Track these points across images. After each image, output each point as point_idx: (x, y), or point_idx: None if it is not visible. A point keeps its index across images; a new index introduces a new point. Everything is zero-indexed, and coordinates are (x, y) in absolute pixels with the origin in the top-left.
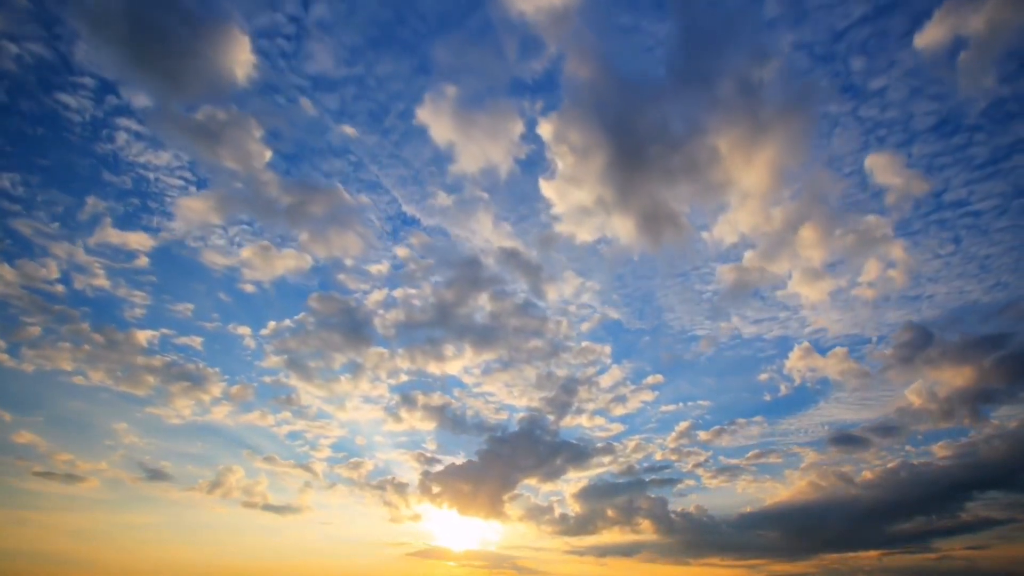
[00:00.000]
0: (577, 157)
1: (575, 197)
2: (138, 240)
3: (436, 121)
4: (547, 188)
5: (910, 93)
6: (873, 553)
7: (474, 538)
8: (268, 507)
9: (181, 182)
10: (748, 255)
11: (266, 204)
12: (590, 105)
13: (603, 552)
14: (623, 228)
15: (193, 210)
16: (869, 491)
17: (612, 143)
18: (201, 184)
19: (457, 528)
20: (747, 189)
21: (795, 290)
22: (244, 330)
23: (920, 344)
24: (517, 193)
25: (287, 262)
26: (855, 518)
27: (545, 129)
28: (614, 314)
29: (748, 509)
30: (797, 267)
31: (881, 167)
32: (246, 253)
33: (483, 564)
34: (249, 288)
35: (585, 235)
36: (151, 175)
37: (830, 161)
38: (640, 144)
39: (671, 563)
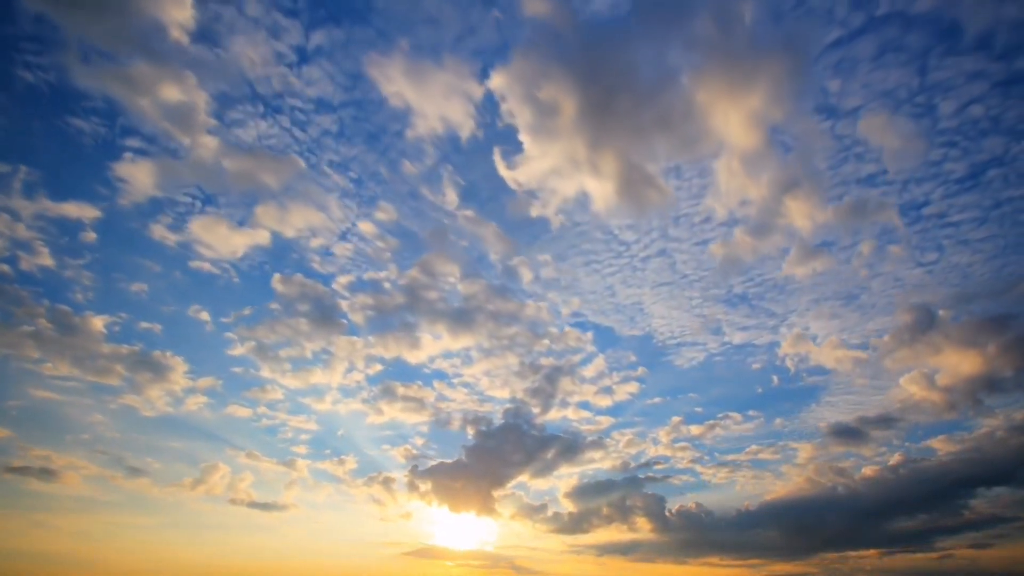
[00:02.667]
0: (541, 114)
1: (545, 164)
2: (80, 211)
3: (387, 79)
4: (514, 155)
5: (888, 117)
6: (873, 552)
7: (470, 537)
8: (254, 504)
9: (123, 146)
10: (738, 232)
11: (214, 173)
12: (551, 50)
13: (601, 551)
14: (600, 196)
15: (136, 178)
16: (869, 488)
17: (577, 93)
18: (144, 149)
19: (452, 527)
20: (732, 147)
21: (789, 272)
22: (204, 315)
23: (921, 328)
24: (480, 163)
25: (243, 239)
26: (855, 516)
27: (503, 81)
28: (597, 309)
29: (747, 506)
30: (791, 243)
31: (876, 129)
32: (196, 227)
33: (480, 564)
34: (206, 267)
35: (562, 216)
36: (89, 139)
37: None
38: (609, 95)
39: (670, 562)
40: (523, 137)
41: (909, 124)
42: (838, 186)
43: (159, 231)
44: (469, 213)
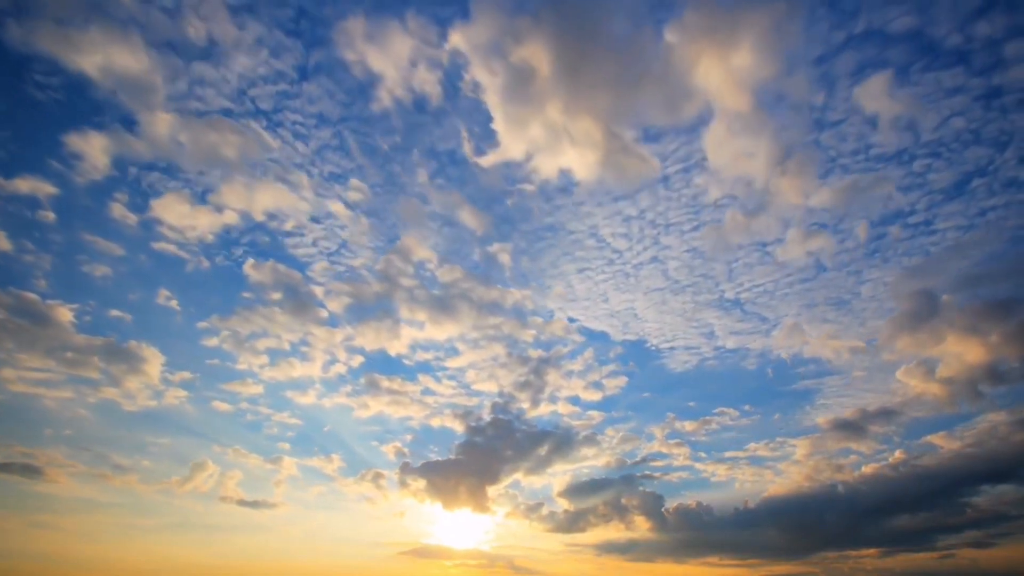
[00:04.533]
0: (511, 77)
1: (520, 134)
2: (34, 187)
3: (349, 43)
4: (485, 126)
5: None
6: (873, 551)
7: (467, 536)
8: (244, 503)
9: (74, 119)
10: (730, 214)
11: (174, 148)
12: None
13: (600, 550)
14: (582, 170)
15: (90, 153)
16: (869, 486)
17: (547, 52)
18: (97, 122)
19: (449, 526)
20: (720, 111)
21: (784, 258)
22: (174, 303)
23: (921, 316)
24: (452, 137)
25: (209, 219)
26: (855, 514)
27: (465, 40)
28: (591, 315)
29: (746, 504)
30: (787, 221)
31: (871, 96)
32: (159, 207)
33: (478, 563)
34: (171, 250)
35: (542, 198)
36: (39, 110)
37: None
38: (583, 51)
39: (669, 561)
40: (493, 105)
41: (892, 134)
42: (832, 161)
43: (119, 210)
44: (443, 195)
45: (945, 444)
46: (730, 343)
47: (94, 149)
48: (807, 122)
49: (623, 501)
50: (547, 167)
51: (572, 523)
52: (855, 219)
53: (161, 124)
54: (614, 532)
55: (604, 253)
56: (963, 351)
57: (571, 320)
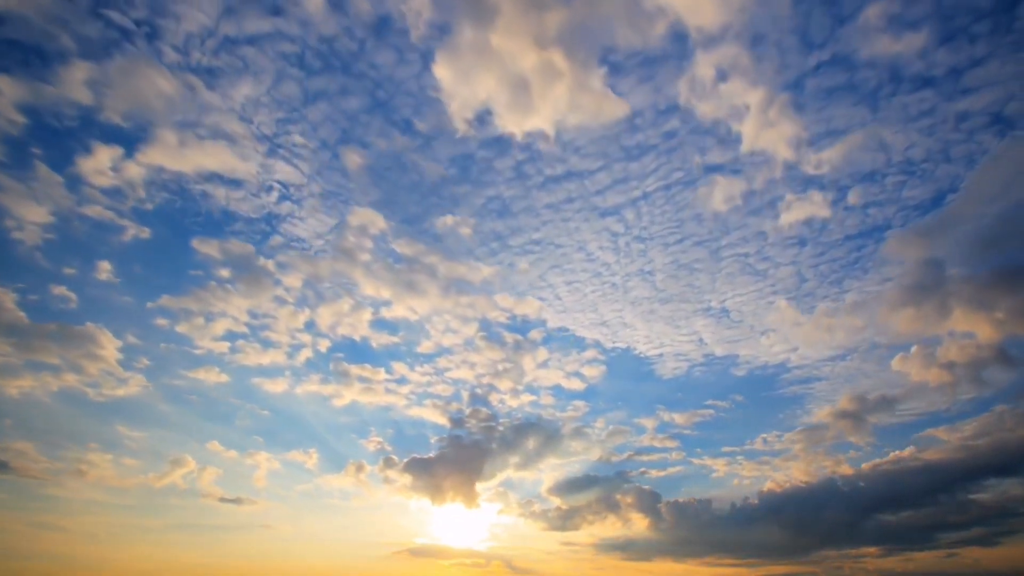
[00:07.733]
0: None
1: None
2: None
3: None
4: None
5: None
6: (874, 549)
7: (462, 535)
8: (224, 499)
9: None
10: (716, 177)
11: (95, 95)
12: None
13: (597, 549)
14: (547, 119)
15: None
16: (870, 482)
17: None
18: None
19: (444, 525)
20: (693, 38)
21: (776, 233)
22: (117, 280)
23: (925, 289)
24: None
25: (146, 182)
26: (855, 511)
27: None
28: (582, 323)
29: (746, 501)
30: (778, 187)
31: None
32: (85, 165)
33: (474, 562)
34: (108, 216)
35: (515, 166)
36: None
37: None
38: None
39: (668, 560)
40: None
41: (865, 155)
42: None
43: (43, 170)
44: (391, 146)
45: (948, 437)
46: (719, 350)
47: (2, 97)
48: (794, 55)
49: (617, 498)
50: (509, 123)
51: (567, 520)
52: (848, 180)
53: (79, 69)
54: (611, 530)
55: (593, 266)
56: (969, 329)
57: (564, 330)
